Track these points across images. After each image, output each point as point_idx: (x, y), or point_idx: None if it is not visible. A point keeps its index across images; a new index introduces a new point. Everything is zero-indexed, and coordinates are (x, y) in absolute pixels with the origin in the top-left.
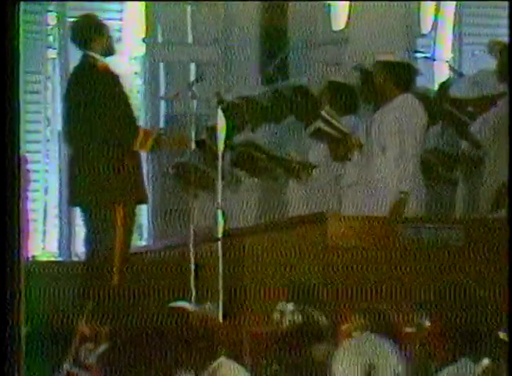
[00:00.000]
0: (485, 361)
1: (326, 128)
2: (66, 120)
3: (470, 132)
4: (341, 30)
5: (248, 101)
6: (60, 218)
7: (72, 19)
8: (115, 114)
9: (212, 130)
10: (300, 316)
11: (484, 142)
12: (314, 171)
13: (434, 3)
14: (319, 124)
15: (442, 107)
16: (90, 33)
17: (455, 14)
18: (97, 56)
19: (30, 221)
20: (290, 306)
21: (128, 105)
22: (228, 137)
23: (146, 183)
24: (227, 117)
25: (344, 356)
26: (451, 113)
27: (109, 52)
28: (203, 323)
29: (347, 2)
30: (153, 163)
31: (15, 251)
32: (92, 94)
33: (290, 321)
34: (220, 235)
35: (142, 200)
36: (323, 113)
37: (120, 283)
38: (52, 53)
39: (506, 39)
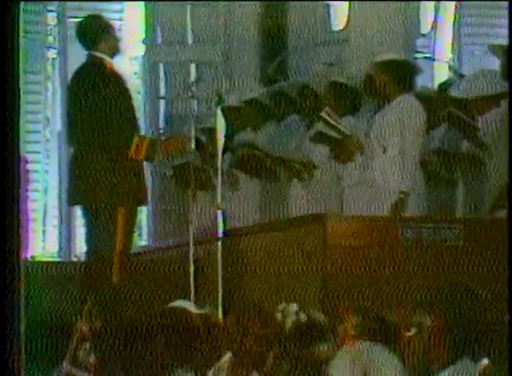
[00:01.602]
0: (485, 361)
1: (327, 130)
2: (68, 120)
3: (475, 133)
4: (341, 31)
5: (249, 101)
6: (60, 218)
7: (78, 19)
8: (118, 115)
9: (212, 130)
10: (302, 317)
11: (487, 143)
12: (315, 171)
13: (433, 3)
14: (319, 126)
15: (443, 107)
16: (97, 33)
17: (454, 14)
18: (104, 56)
19: (30, 221)
20: (294, 307)
21: (131, 106)
22: (228, 137)
23: (146, 184)
24: (227, 117)
25: (340, 366)
26: (452, 113)
27: (115, 52)
28: (204, 323)
29: (347, 2)
30: (152, 163)
31: (15, 251)
32: (98, 94)
33: (293, 322)
34: (220, 235)
35: (143, 202)
36: (323, 114)
37: (120, 283)
38: (52, 53)
39: (505, 39)
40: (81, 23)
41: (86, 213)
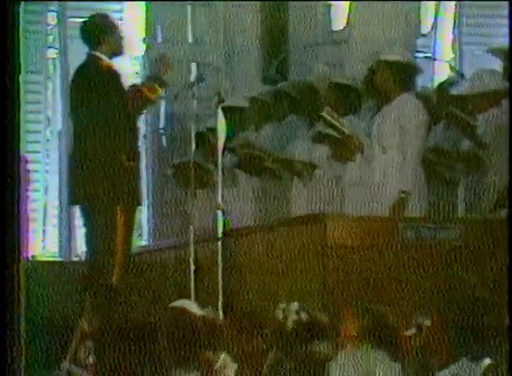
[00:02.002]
0: (486, 361)
1: (327, 131)
2: (67, 119)
3: (474, 132)
4: (341, 31)
5: (250, 101)
6: (60, 218)
7: (80, 19)
8: (115, 116)
9: (212, 130)
10: (303, 316)
11: (487, 142)
12: (316, 171)
13: (434, 3)
14: (320, 126)
15: (443, 107)
16: (99, 33)
17: (455, 14)
18: (102, 56)
19: (30, 221)
20: (295, 306)
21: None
22: (229, 137)
23: (147, 183)
24: (228, 117)
25: (341, 369)
26: (452, 112)
27: (117, 52)
28: (205, 324)
29: (347, 2)
30: (152, 163)
31: (15, 251)
32: (94, 94)
33: (294, 321)
34: (220, 235)
35: (139, 203)
36: (323, 114)
37: (120, 283)
38: (52, 53)
39: (505, 39)
40: (85, 22)
41: (84, 213)
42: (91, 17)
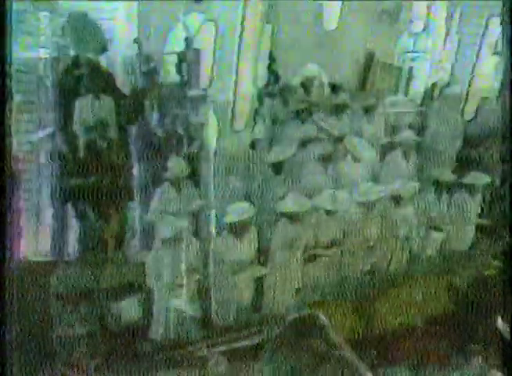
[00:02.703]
0: (481, 361)
1: (318, 132)
2: (60, 118)
3: (466, 131)
4: (333, 31)
5: (241, 101)
6: (53, 218)
7: (64, 19)
8: (106, 114)
9: (203, 130)
10: (303, 314)
11: (479, 142)
12: (306, 170)
13: (426, 2)
14: (309, 128)
15: (435, 107)
16: (83, 32)
17: (447, 14)
18: (90, 55)
19: (22, 221)
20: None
21: (120, 104)
22: (221, 137)
23: (139, 182)
24: (219, 117)
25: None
26: (443, 112)
27: (101, 50)
28: (198, 322)
29: (339, 2)
30: (145, 161)
31: (7, 252)
32: (85, 93)
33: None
34: (213, 233)
35: (132, 199)
36: (315, 116)
37: (112, 281)
38: (44, 53)
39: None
40: (66, 23)
41: (76, 210)
42: (72, 18)
